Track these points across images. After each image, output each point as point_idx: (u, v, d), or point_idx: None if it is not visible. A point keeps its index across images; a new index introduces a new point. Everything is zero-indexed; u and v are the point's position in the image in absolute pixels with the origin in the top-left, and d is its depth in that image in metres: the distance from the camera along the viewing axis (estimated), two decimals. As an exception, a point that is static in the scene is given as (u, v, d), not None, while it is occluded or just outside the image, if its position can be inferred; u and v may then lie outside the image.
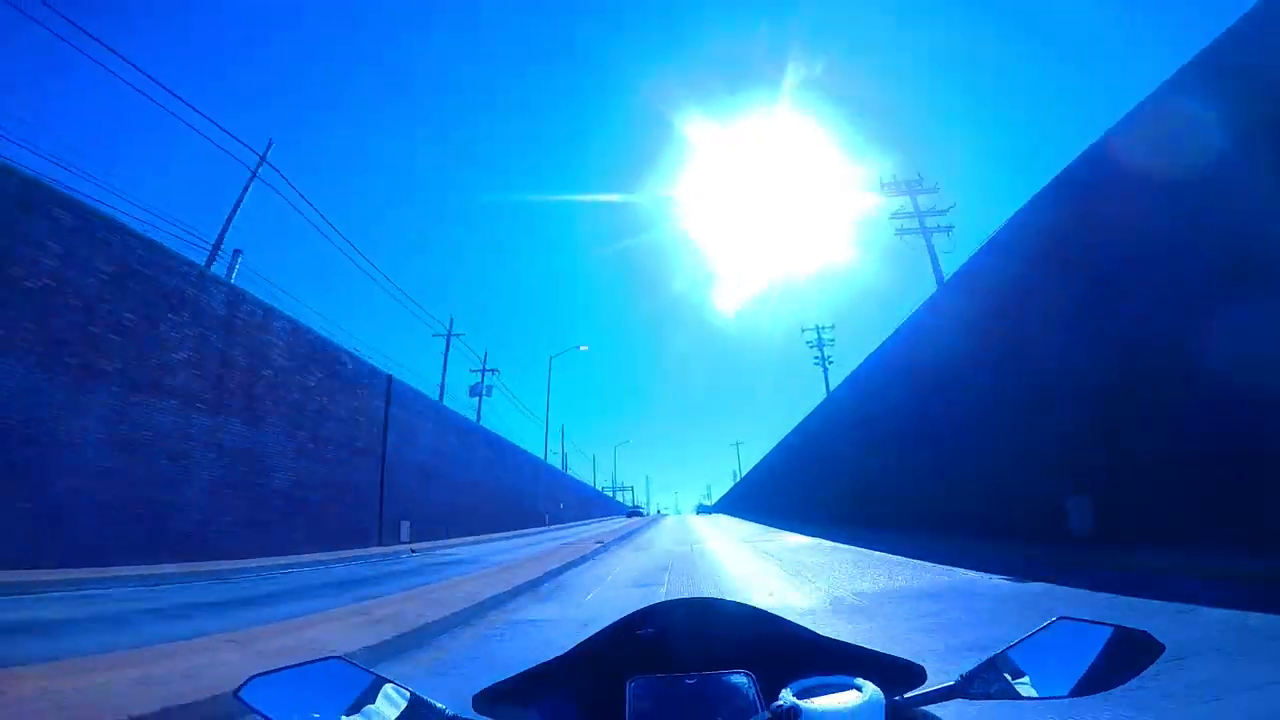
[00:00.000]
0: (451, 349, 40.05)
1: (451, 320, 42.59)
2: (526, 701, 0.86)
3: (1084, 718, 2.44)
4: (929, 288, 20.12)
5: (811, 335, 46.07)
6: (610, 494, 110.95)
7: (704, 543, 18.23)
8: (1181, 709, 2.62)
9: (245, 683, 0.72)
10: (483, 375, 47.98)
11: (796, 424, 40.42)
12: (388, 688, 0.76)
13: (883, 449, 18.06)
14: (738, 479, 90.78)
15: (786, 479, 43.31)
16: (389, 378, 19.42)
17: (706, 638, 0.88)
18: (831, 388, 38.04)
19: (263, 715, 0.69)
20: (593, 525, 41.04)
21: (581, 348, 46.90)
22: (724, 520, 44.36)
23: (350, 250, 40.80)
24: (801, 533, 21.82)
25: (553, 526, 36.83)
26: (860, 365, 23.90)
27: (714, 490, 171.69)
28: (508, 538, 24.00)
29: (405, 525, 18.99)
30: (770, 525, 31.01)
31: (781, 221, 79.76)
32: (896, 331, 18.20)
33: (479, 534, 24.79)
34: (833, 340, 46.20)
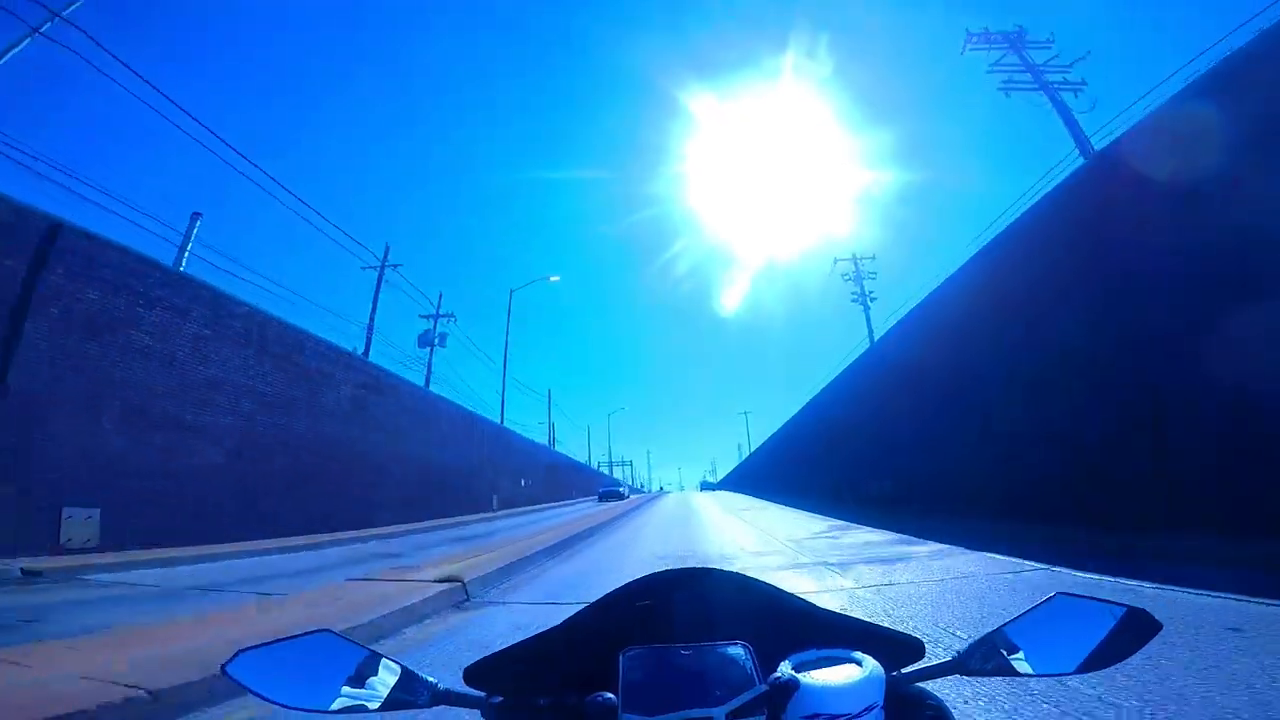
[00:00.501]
0: (408, 302, 30.79)
1: (387, 249, 33.07)
2: (517, 674, 0.84)
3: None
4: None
5: (847, 267, 36.06)
6: (607, 469, 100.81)
7: (736, 559, 8.79)
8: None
9: (233, 657, 0.71)
10: (435, 321, 38.15)
11: (828, 381, 30.60)
12: (378, 662, 0.75)
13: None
14: (744, 454, 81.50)
15: (811, 451, 33.64)
16: (55, 224, 9.13)
17: (703, 609, 0.86)
18: (876, 333, 28.81)
19: (250, 690, 0.69)
20: (562, 510, 30.76)
21: (551, 278, 36.49)
22: (738, 502, 34.60)
23: (214, 141, 30.37)
24: (889, 529, 11.74)
25: (501, 514, 26.47)
26: (949, 279, 14.98)
27: (719, 467, 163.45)
28: (349, 543, 13.80)
29: (77, 516, 9.06)
30: (810, 510, 21.21)
31: (804, 133, 67.28)
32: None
33: (332, 532, 14.51)
34: (874, 274, 36.31)
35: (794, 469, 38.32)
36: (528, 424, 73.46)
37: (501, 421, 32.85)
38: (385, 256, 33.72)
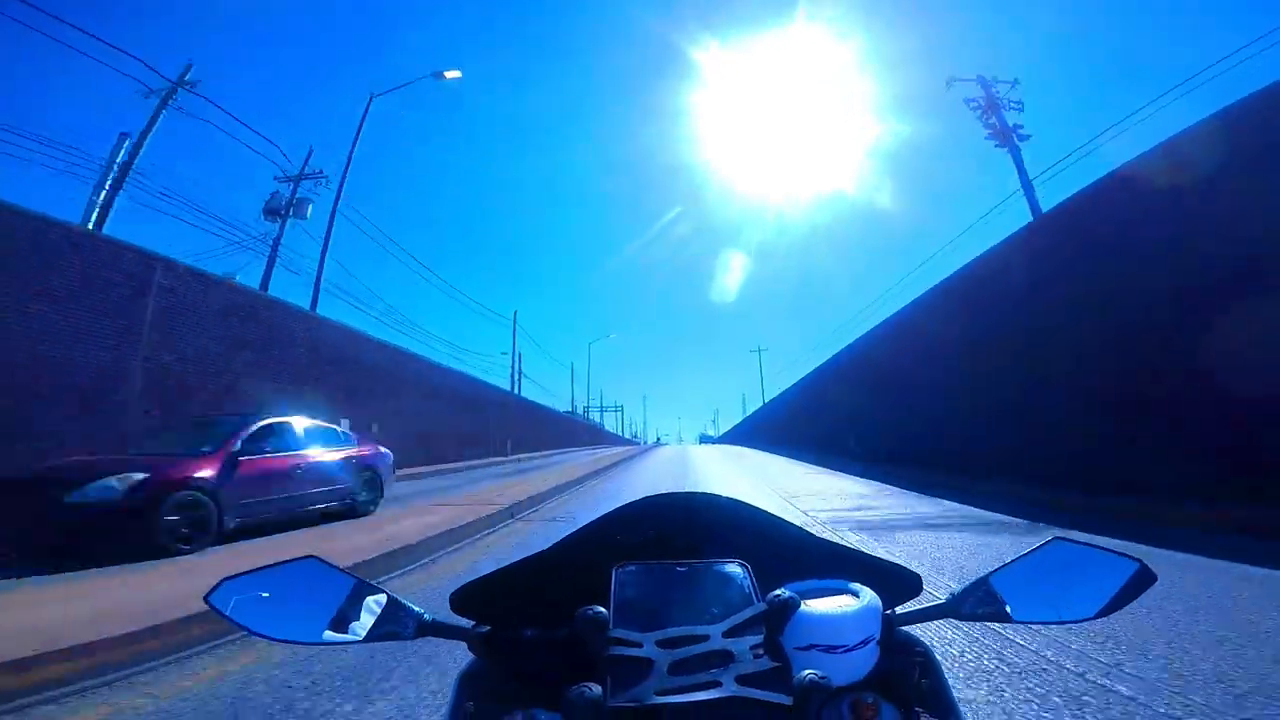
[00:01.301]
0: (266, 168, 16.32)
1: (188, 67, 19.30)
2: (505, 597, 0.80)
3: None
4: None
5: (971, 91, 22.23)
6: (596, 416, 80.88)
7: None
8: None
9: (216, 585, 0.68)
10: (294, 185, 23.81)
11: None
12: (363, 590, 0.73)
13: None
14: (754, 403, 67.21)
15: (890, 389, 19.13)
16: None
17: (700, 533, 0.84)
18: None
19: (232, 621, 0.67)
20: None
21: (446, 74, 20.61)
22: (769, 465, 21.03)
23: None
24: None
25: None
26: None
27: (721, 420, 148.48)
28: None
29: None
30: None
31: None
32: None
33: None
34: (1020, 104, 22.26)
35: (847, 420, 23.09)
36: (494, 356, 56.91)
37: (313, 306, 17.34)
38: (184, 74, 19.39)
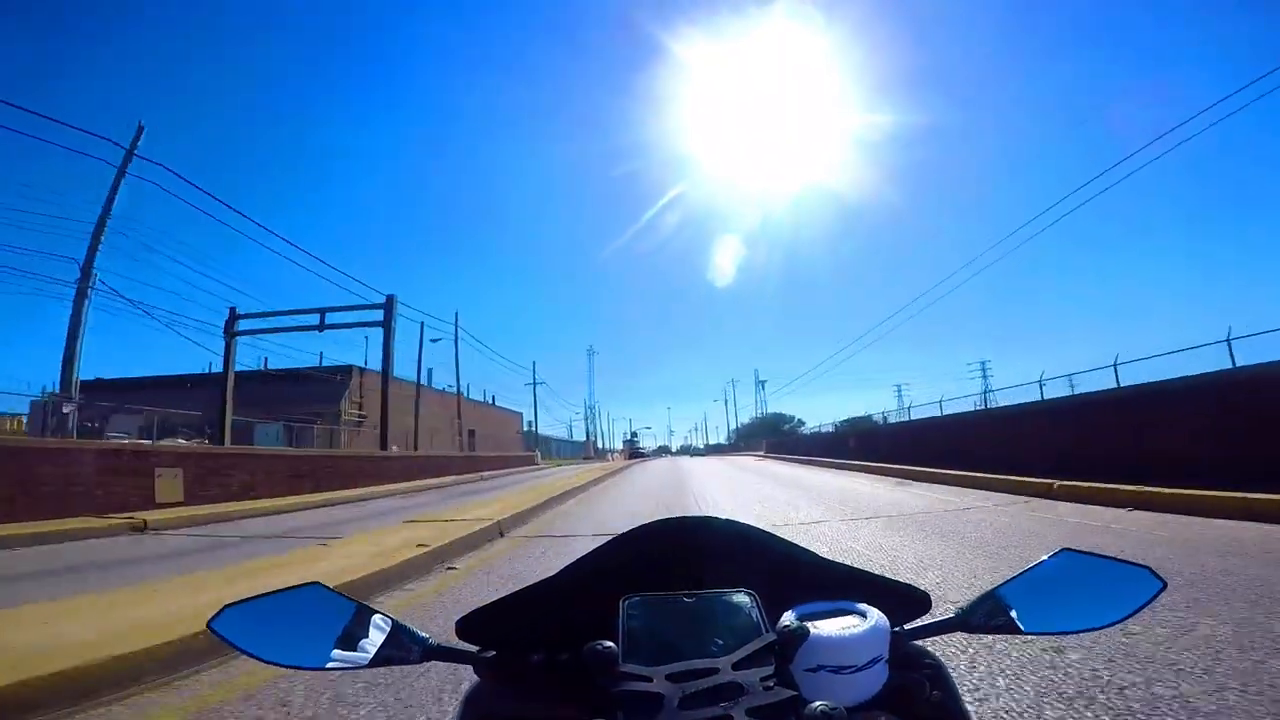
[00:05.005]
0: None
1: None
2: (513, 625, 0.83)
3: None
4: None
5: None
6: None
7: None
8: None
9: (219, 612, 0.70)
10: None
11: None
12: (369, 616, 0.75)
13: None
14: (774, 390, 45.49)
15: None
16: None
17: (703, 558, 0.85)
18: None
19: (236, 648, 0.69)
20: None
21: None
22: None
23: None
24: None
25: None
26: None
27: (716, 413, 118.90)
28: None
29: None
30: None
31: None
32: None
33: None
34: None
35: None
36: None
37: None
38: None
